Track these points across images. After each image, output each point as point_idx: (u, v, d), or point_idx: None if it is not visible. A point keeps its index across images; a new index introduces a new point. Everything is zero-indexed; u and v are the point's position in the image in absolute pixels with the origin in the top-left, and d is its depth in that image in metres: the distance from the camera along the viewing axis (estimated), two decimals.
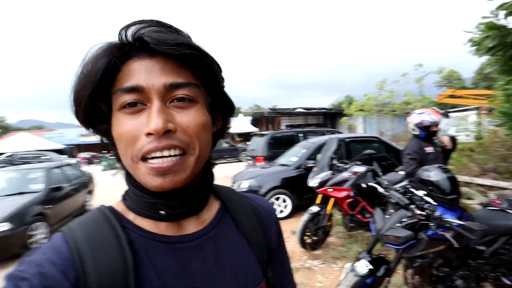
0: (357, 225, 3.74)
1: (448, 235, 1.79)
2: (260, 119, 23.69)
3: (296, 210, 5.50)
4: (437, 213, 1.88)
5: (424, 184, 2.14)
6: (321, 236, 3.73)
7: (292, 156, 5.87)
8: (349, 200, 3.56)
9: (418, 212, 2.01)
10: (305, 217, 3.68)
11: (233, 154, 16.90)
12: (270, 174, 5.53)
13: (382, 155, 5.74)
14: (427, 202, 2.06)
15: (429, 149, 3.01)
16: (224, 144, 18.27)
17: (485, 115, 7.91)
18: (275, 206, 5.30)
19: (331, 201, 3.68)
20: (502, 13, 2.92)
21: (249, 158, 8.80)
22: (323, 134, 7.98)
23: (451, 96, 11.18)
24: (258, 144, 8.34)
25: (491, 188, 4.72)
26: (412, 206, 2.05)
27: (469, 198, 4.47)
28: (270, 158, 7.29)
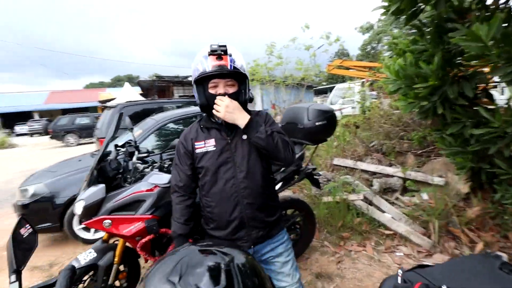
0: None
1: None
2: (150, 89, 20.27)
3: None
4: None
5: None
6: None
7: (121, 141, 3.77)
8: (146, 239, 1.78)
9: None
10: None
11: None
12: (76, 171, 3.35)
13: None
14: None
15: (204, 145, 1.29)
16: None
17: (368, 87, 7.40)
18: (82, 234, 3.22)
19: (121, 242, 1.86)
20: None
21: (95, 140, 6.26)
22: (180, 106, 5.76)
23: (339, 67, 10.80)
24: (104, 121, 5.87)
25: (374, 174, 3.79)
26: None
27: (354, 190, 3.38)
28: None
